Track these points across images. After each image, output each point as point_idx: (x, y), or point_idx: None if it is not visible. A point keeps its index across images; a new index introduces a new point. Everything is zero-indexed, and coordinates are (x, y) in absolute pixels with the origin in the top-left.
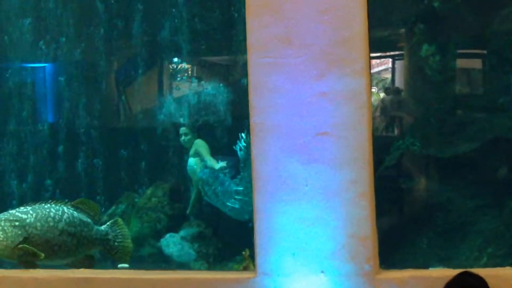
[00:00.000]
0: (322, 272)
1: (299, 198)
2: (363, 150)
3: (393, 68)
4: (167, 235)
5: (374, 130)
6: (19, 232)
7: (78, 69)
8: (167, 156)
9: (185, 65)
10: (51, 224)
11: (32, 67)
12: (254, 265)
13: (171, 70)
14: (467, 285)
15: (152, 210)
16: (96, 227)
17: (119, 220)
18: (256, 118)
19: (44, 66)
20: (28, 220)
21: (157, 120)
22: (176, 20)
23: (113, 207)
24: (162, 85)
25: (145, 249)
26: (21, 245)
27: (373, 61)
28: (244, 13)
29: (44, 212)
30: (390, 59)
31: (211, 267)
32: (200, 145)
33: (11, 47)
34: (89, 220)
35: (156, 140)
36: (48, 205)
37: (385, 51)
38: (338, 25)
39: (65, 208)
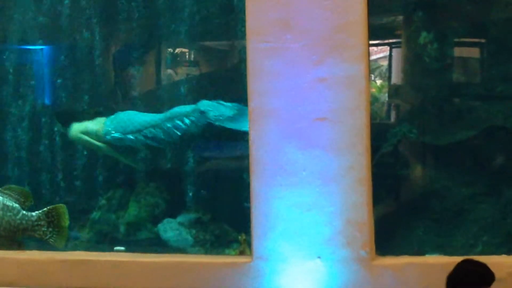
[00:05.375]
0: (318, 257)
1: (296, 183)
2: (361, 136)
3: (390, 55)
4: (165, 220)
5: (372, 116)
6: None
7: (75, 52)
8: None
9: (183, 50)
10: None
11: (29, 49)
12: (250, 250)
13: (168, 55)
14: (469, 272)
15: (150, 195)
16: (24, 212)
17: (58, 206)
18: (254, 102)
19: (42, 48)
20: None
21: (155, 104)
22: (173, 4)
23: (111, 191)
24: (159, 69)
25: (142, 233)
26: None
27: (371, 48)
28: None
29: None
30: (388, 47)
31: (207, 253)
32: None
33: (8, 28)
34: (16, 205)
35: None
36: None
37: (383, 38)
38: (338, 10)
39: None
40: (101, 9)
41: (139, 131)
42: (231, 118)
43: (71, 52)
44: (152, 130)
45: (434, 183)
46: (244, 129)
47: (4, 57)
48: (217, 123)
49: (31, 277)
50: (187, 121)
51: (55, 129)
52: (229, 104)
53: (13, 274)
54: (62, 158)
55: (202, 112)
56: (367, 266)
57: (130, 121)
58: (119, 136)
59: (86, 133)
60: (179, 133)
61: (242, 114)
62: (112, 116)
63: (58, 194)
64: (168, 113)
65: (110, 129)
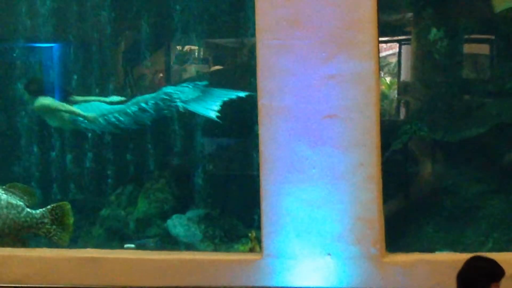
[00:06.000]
0: (329, 254)
1: (306, 180)
2: (370, 133)
3: (400, 52)
4: (174, 216)
5: (381, 114)
6: None
7: (85, 49)
8: (174, 137)
9: (192, 47)
10: None
11: (39, 47)
12: (260, 247)
13: (177, 52)
14: (478, 269)
15: (159, 191)
16: (28, 210)
17: (62, 204)
18: (264, 100)
19: (51, 46)
20: None
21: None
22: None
23: (121, 187)
24: (169, 66)
25: (152, 229)
26: None
27: (380, 45)
28: None
29: None
30: (397, 44)
31: (217, 248)
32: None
33: (17, 27)
34: (20, 203)
35: (163, 121)
36: None
37: (392, 36)
38: (348, 8)
39: None
40: (109, 6)
41: (102, 115)
42: (196, 99)
43: (81, 48)
44: (116, 115)
45: (444, 180)
46: (208, 109)
47: (14, 54)
48: (181, 105)
49: (41, 274)
50: (151, 104)
51: (24, 98)
52: (191, 84)
53: (23, 271)
54: (70, 154)
55: (166, 94)
56: (378, 263)
57: (96, 106)
58: (82, 119)
59: (51, 103)
60: (145, 118)
61: (207, 94)
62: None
63: (67, 191)
64: (133, 99)
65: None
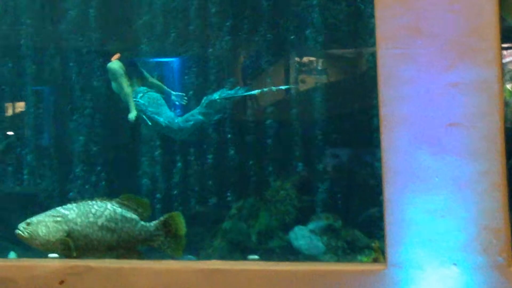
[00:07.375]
0: (454, 264)
1: (429, 189)
2: (495, 140)
3: None
4: (296, 228)
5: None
6: (60, 227)
7: (205, 64)
8: (294, 148)
9: (311, 58)
10: (91, 219)
11: (160, 62)
12: (383, 257)
13: (296, 63)
14: None
15: (280, 203)
16: (142, 223)
17: (175, 214)
18: (385, 109)
19: (172, 61)
20: (70, 216)
21: (283, 113)
22: (302, 13)
23: (242, 200)
24: (288, 78)
25: (274, 241)
26: (61, 239)
27: (501, 52)
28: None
29: (86, 208)
30: None
31: (340, 260)
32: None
33: (138, 43)
34: (134, 216)
35: (283, 133)
36: (93, 202)
37: None
38: (469, 14)
39: (108, 204)
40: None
41: (157, 113)
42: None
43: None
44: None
45: None
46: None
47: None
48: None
49: (168, 286)
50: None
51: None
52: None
53: (149, 284)
54: (191, 168)
55: (212, 100)
56: (505, 272)
57: (156, 102)
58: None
59: (122, 74)
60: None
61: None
62: (145, 90)
63: (190, 204)
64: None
65: (138, 95)
